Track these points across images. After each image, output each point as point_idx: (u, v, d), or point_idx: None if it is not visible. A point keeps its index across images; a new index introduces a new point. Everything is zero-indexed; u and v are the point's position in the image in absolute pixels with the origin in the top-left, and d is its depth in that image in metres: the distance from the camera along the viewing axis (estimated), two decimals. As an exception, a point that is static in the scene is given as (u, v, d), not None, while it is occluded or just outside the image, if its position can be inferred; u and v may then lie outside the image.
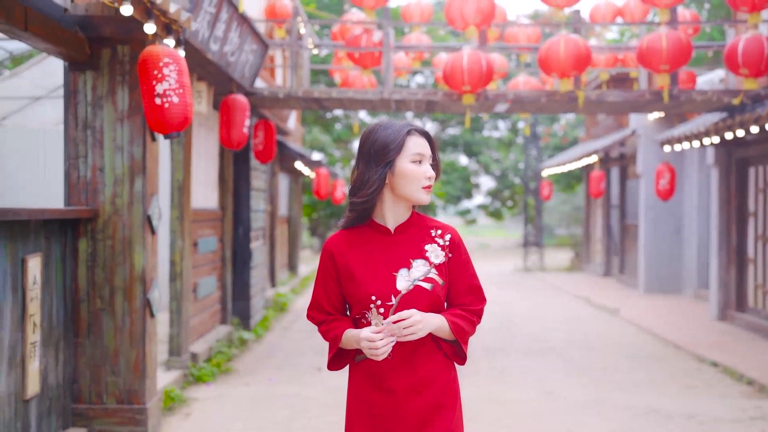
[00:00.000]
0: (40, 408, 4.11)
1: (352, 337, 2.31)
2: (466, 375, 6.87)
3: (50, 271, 4.25)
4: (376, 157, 2.30)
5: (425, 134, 2.37)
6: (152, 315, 4.69)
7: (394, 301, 2.28)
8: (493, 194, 33.31)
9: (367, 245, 2.35)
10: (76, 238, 4.51)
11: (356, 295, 2.32)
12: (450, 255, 2.36)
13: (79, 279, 4.52)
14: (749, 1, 6.76)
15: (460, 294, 2.39)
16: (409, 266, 2.32)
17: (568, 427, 5.50)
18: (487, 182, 34.18)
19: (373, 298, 2.29)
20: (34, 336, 3.97)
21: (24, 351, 3.88)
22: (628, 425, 5.56)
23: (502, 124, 31.73)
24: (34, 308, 3.97)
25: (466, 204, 35.26)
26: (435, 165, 2.38)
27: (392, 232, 2.36)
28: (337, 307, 2.40)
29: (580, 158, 16.29)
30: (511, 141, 31.31)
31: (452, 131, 31.54)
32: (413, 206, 2.40)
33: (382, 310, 2.28)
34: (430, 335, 2.34)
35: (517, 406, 6.05)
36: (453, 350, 2.39)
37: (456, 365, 2.45)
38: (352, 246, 2.35)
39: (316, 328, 2.48)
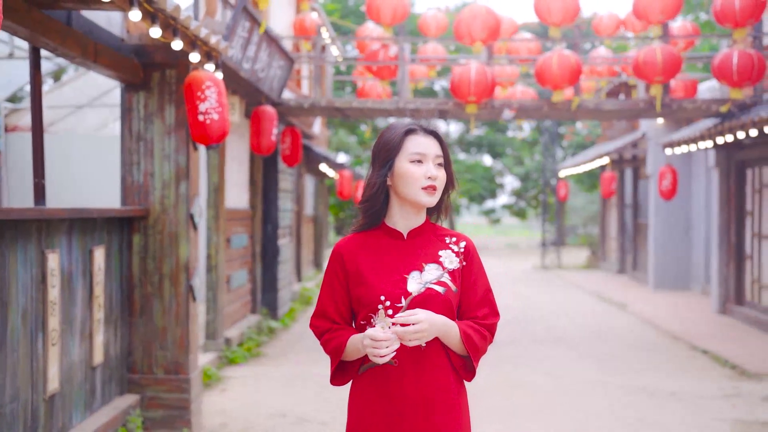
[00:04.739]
0: (103, 375, 4.91)
1: (357, 340, 2.19)
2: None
3: (110, 260, 5.05)
4: (378, 159, 2.26)
5: (432, 133, 2.25)
6: (194, 299, 5.47)
7: (404, 302, 2.18)
8: (518, 194, 33.83)
9: (378, 248, 2.26)
10: (131, 233, 5.31)
11: (365, 297, 2.21)
12: (464, 263, 2.27)
13: (133, 267, 5.31)
14: (733, 18, 7.38)
15: (473, 305, 2.28)
16: (421, 269, 2.22)
17: (568, 401, 6.20)
18: (512, 182, 34.73)
19: (383, 298, 2.19)
20: (99, 314, 4.78)
21: (91, 326, 4.68)
22: (617, 401, 6.25)
23: (527, 125, 32.21)
24: (98, 291, 4.77)
25: (490, 204, 35.84)
26: (446, 165, 2.26)
27: (405, 236, 2.28)
28: (343, 314, 2.29)
29: (593, 159, 16.87)
30: (535, 140, 31.79)
31: (477, 132, 32.10)
32: (428, 214, 2.33)
33: (390, 312, 2.17)
34: (442, 348, 2.23)
35: (524, 386, 6.76)
36: (462, 363, 2.26)
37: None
38: (363, 248, 2.27)
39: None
